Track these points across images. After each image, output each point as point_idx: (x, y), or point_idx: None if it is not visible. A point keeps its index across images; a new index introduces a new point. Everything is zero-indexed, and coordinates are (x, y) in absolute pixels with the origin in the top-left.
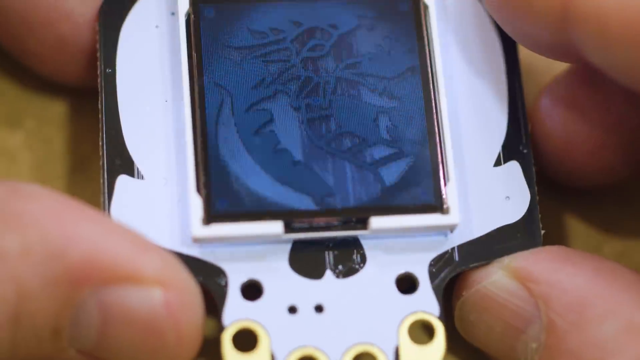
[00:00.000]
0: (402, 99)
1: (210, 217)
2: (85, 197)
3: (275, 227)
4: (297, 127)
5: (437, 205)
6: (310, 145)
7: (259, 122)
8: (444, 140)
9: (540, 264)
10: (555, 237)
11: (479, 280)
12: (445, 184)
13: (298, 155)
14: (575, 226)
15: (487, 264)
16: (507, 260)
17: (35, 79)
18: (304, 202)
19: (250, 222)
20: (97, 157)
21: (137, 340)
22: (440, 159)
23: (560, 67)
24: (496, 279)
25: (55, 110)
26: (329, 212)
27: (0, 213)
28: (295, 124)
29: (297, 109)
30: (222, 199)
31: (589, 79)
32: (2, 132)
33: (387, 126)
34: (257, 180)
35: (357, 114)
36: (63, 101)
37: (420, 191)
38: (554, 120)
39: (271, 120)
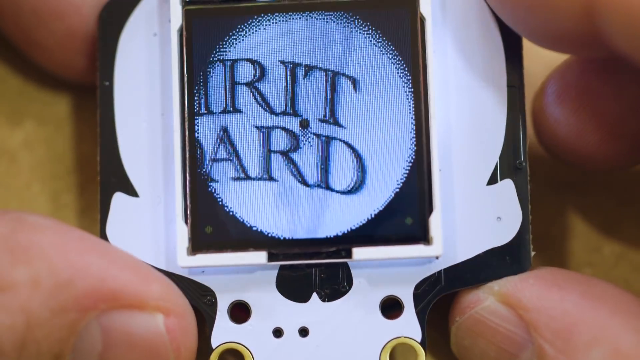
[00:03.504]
0: (391, 123)
1: (196, 246)
2: (85, 197)
3: (259, 257)
4: (283, 155)
5: (420, 235)
6: (295, 174)
7: (246, 148)
8: (431, 167)
9: (529, 290)
10: (556, 237)
11: (472, 305)
12: (430, 214)
13: (284, 184)
14: (575, 226)
15: (476, 287)
16: (496, 286)
17: (35, 79)
18: (288, 232)
19: (235, 252)
20: (96, 157)
21: None
22: (426, 188)
23: None
24: (488, 304)
25: (56, 111)
26: (312, 242)
27: (8, 245)
28: (282, 152)
29: (283, 137)
30: (207, 228)
31: (599, 68)
32: (2, 132)
33: (373, 153)
34: (243, 209)
35: (342, 140)
36: (63, 101)
37: (404, 221)
38: (565, 106)
39: (259, 147)
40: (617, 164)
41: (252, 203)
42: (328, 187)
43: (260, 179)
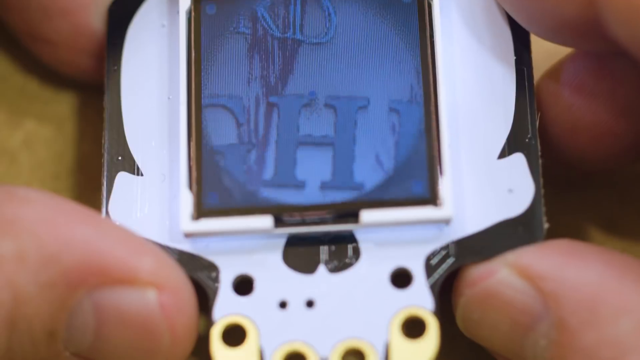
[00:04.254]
0: (400, 91)
1: (200, 212)
2: (85, 197)
3: (265, 222)
4: (290, 122)
5: (430, 198)
6: (302, 139)
7: (253, 117)
8: (440, 132)
9: (547, 259)
10: (556, 236)
11: (482, 278)
12: (440, 177)
13: (290, 150)
14: (576, 226)
15: (487, 258)
16: (511, 257)
17: (36, 78)
18: (295, 197)
19: (240, 217)
20: (96, 157)
21: (132, 341)
22: (436, 152)
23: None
24: (502, 276)
25: (56, 110)
26: (319, 206)
27: None
28: (289, 119)
29: (291, 104)
30: (212, 194)
31: (596, 64)
32: (2, 132)
33: (382, 118)
34: (248, 175)
35: (352, 107)
36: (64, 101)
37: (414, 183)
38: (559, 104)
39: (265, 117)
40: (607, 164)
41: (259, 169)
42: (336, 153)
43: (266, 145)
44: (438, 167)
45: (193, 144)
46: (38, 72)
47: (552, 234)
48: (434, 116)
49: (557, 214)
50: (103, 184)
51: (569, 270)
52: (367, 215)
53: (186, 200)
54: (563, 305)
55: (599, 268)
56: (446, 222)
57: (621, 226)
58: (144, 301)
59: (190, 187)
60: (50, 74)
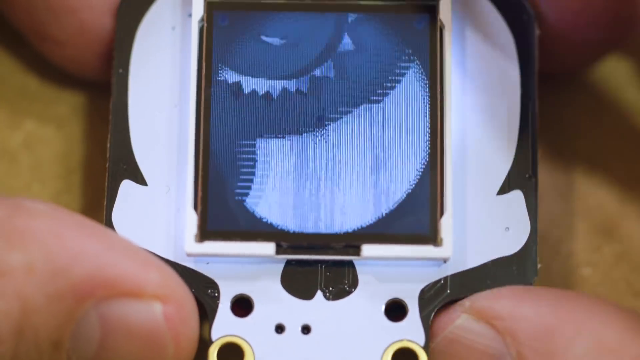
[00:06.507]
0: (407, 126)
1: (204, 234)
2: (85, 197)
3: (267, 248)
4: (297, 150)
5: (430, 236)
6: (308, 168)
7: (261, 141)
8: (445, 171)
9: (502, 300)
10: (556, 237)
11: (444, 326)
12: (441, 216)
13: (296, 178)
14: (575, 226)
15: (449, 307)
16: (467, 302)
17: (37, 78)
18: (298, 225)
19: (243, 242)
20: (96, 158)
21: (137, 352)
22: (438, 190)
23: None
24: (460, 322)
25: (56, 111)
26: (322, 236)
27: (4, 231)
28: (296, 146)
29: (299, 130)
30: (217, 217)
31: None
32: (2, 132)
33: (387, 153)
34: (253, 199)
35: (357, 138)
36: (64, 101)
37: (415, 221)
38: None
39: (273, 141)
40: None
41: (264, 194)
42: (341, 185)
43: (273, 171)
44: (440, 206)
45: (200, 162)
46: (38, 72)
47: (552, 235)
48: (439, 155)
49: (557, 214)
50: (106, 191)
51: (523, 308)
52: (368, 250)
53: (191, 220)
54: (519, 340)
55: (551, 302)
56: (445, 260)
57: (620, 227)
58: (149, 313)
59: (195, 207)
60: (51, 74)
